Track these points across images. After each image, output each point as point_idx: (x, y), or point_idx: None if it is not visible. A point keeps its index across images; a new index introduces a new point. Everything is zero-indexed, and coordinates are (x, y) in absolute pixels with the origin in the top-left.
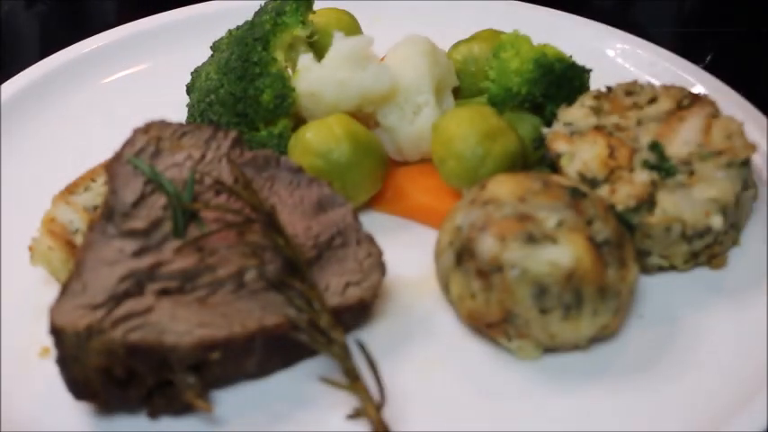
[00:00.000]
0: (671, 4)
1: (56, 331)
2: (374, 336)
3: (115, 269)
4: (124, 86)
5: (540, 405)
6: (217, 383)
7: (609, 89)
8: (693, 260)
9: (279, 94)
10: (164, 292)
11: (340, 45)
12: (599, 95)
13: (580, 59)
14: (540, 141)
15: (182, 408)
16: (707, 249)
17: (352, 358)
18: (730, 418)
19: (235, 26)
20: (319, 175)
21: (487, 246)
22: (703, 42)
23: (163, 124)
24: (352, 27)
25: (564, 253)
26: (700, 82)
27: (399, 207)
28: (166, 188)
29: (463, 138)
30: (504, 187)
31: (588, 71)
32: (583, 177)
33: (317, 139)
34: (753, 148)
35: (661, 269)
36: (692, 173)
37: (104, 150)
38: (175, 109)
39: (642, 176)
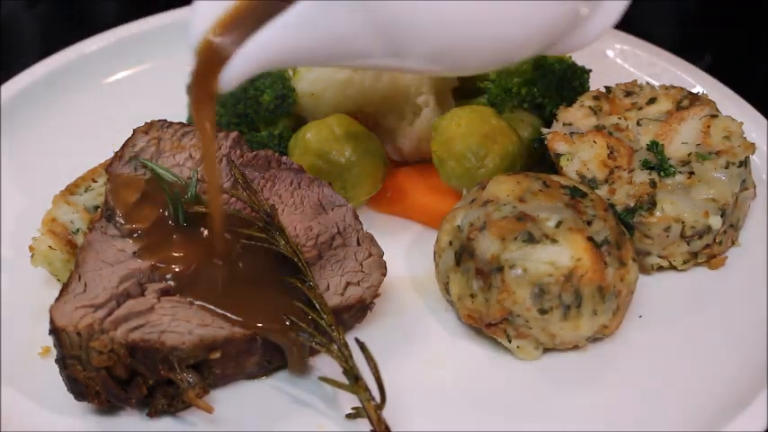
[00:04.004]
0: (671, 4)
1: (56, 331)
2: (374, 336)
3: (116, 269)
4: (125, 87)
5: (540, 405)
6: (217, 383)
7: (608, 89)
8: (692, 260)
9: (279, 94)
10: (165, 292)
11: None
12: (598, 96)
13: (580, 60)
14: (540, 141)
15: (182, 408)
16: (706, 249)
17: (352, 358)
18: (730, 418)
19: None
20: (319, 176)
21: (487, 246)
22: (703, 43)
23: (164, 124)
24: None
25: (563, 253)
26: (699, 82)
27: (399, 207)
28: (167, 188)
29: (463, 138)
30: (503, 187)
31: (588, 71)
32: (582, 177)
33: (317, 140)
34: (751, 148)
35: (660, 269)
36: (691, 173)
37: (105, 150)
38: (176, 109)
39: (641, 176)
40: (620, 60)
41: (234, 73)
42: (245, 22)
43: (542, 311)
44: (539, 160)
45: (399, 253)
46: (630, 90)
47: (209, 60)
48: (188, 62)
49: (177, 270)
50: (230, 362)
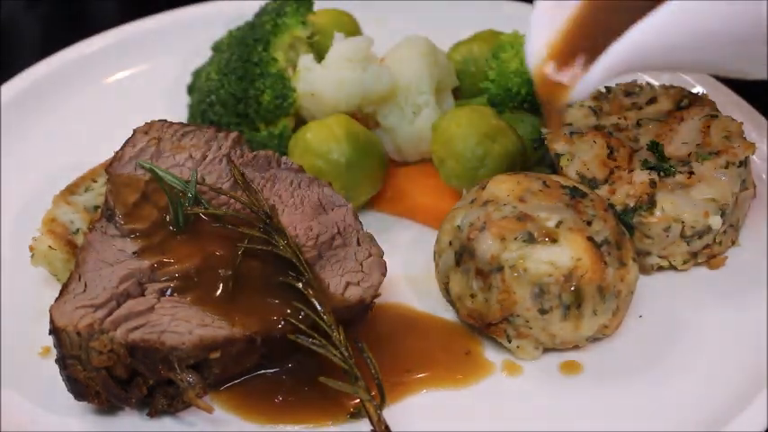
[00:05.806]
0: None
1: (56, 331)
2: (374, 336)
3: (116, 269)
4: (125, 87)
5: (540, 405)
6: (217, 383)
7: (608, 89)
8: (692, 260)
9: (279, 94)
10: (164, 292)
11: (340, 46)
12: (598, 96)
13: None
14: (540, 141)
15: (182, 408)
16: (706, 249)
17: (353, 358)
18: (730, 418)
19: (235, 26)
20: (319, 176)
21: (487, 246)
22: None
23: (164, 124)
24: (352, 28)
25: (563, 253)
26: (699, 82)
27: (399, 207)
28: (167, 188)
29: (463, 138)
30: (503, 187)
31: None
32: (582, 177)
33: (318, 140)
34: (751, 148)
35: (660, 269)
36: (690, 173)
37: (105, 150)
38: (176, 109)
39: (641, 176)
40: None
41: (590, 83)
42: (584, 34)
43: (542, 311)
44: (539, 160)
45: (399, 253)
46: (630, 90)
47: (550, 81)
48: (188, 62)
49: (177, 270)
50: (230, 361)
